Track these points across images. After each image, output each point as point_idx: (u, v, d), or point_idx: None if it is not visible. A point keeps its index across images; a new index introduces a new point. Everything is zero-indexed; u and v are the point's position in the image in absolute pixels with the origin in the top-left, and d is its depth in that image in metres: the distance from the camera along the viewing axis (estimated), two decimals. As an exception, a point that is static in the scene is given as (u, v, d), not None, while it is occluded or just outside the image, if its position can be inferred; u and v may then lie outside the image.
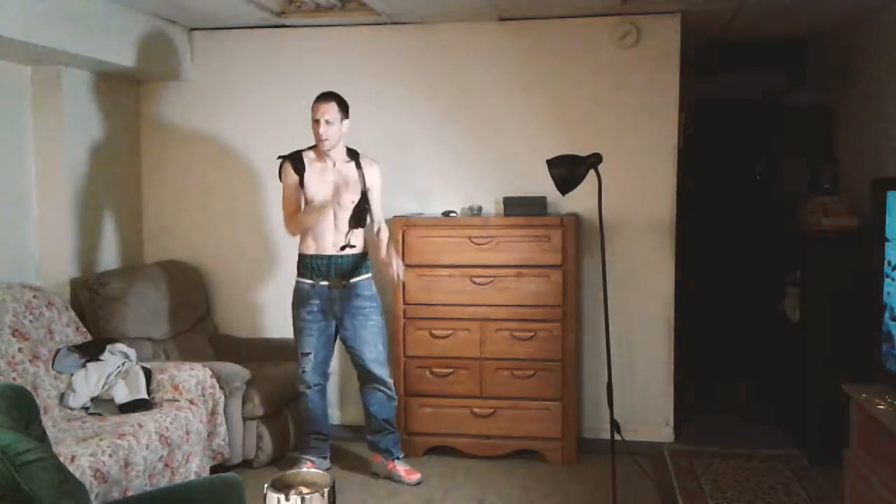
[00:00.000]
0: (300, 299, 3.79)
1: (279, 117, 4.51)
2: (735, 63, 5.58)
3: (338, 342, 3.90)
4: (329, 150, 3.66)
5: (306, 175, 3.69)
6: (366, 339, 3.77)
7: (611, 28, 4.28)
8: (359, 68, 4.50)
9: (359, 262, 3.76)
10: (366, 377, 3.84)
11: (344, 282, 3.72)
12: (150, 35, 4.30)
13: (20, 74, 3.91)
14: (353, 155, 3.76)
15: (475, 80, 4.45)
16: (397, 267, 3.77)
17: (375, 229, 3.85)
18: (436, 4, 4.07)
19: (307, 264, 3.76)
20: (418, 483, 3.81)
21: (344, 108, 3.65)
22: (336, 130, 3.61)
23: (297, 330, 3.81)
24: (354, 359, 3.85)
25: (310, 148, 3.75)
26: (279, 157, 3.75)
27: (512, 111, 4.43)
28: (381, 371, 3.82)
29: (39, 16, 3.47)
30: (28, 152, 3.96)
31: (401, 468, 3.86)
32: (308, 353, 3.80)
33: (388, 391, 3.86)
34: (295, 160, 3.71)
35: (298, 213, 3.72)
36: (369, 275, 3.82)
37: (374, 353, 3.79)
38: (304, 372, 3.82)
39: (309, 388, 3.83)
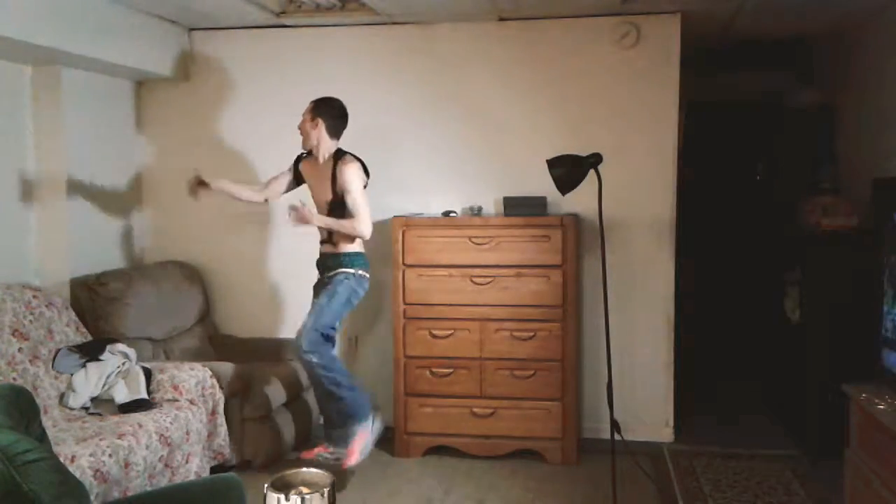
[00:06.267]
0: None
1: (279, 117, 4.49)
2: (735, 63, 5.58)
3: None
4: (304, 145, 3.81)
5: (300, 167, 3.90)
6: (309, 313, 3.70)
7: (611, 28, 4.28)
8: (359, 68, 4.50)
9: (335, 259, 3.73)
10: None
11: (324, 278, 3.79)
12: (150, 35, 4.30)
13: (20, 74, 3.91)
14: (337, 155, 3.75)
15: (475, 80, 4.44)
16: (302, 211, 3.63)
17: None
18: (436, 4, 4.07)
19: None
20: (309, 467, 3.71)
21: (318, 110, 3.74)
22: (305, 128, 3.76)
23: None
24: None
25: None
26: None
27: (512, 111, 4.43)
28: (300, 337, 3.60)
29: (39, 16, 3.47)
30: (28, 152, 3.96)
31: (317, 449, 3.76)
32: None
33: (304, 358, 3.60)
34: (300, 156, 3.93)
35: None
36: (348, 270, 3.70)
37: (308, 322, 3.63)
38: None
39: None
